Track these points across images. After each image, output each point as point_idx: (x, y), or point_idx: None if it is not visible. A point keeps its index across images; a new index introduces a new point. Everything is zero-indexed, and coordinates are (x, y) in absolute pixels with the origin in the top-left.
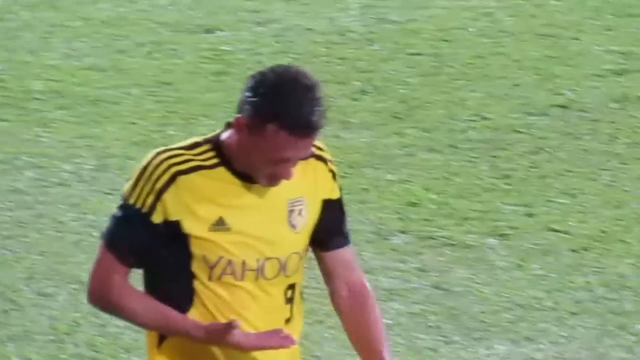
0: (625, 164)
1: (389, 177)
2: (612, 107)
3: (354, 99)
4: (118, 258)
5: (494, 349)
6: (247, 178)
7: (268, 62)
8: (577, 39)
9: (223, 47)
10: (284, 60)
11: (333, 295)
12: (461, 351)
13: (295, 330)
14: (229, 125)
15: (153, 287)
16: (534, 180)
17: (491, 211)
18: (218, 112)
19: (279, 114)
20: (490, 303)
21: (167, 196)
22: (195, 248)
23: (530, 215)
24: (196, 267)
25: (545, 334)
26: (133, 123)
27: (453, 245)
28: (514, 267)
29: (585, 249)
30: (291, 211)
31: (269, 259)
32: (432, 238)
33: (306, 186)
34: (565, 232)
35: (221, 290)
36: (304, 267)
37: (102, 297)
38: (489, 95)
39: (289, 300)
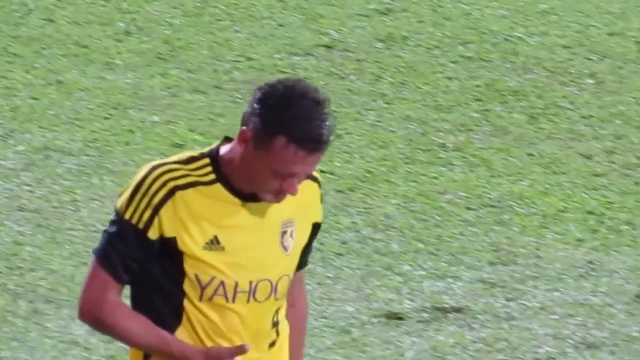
0: (390, 104)
1: (154, 118)
2: (377, 47)
3: (118, 40)
4: (112, 275)
5: None
6: (243, 196)
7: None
8: None
9: None
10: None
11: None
12: None
13: (278, 355)
14: (227, 140)
15: (140, 304)
16: None
17: None
18: None
19: (289, 126)
20: None
21: (164, 212)
22: (189, 267)
23: None
24: (188, 286)
25: (311, 275)
26: None
27: None
28: None
29: (352, 190)
30: (284, 233)
31: (262, 281)
32: None
33: (298, 208)
34: (331, 173)
35: (211, 312)
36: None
37: (94, 315)
38: (254, 36)
39: (275, 324)
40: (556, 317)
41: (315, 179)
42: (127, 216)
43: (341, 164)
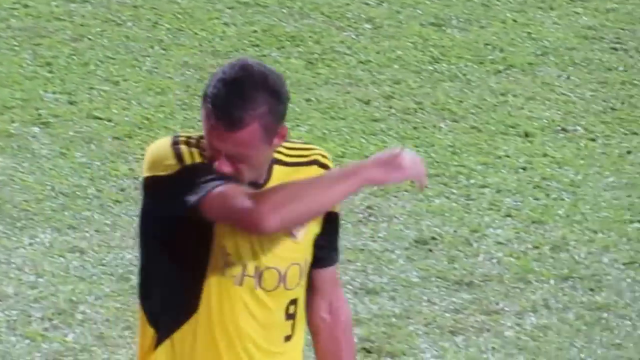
0: (167, 50)
1: None
2: None
3: None
4: (230, 181)
5: (38, 237)
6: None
7: None
8: None
9: None
10: None
11: (313, 312)
12: (4, 240)
13: (296, 350)
14: None
15: (154, 288)
16: (75, 68)
17: (33, 99)
18: None
19: (211, 93)
20: (34, 192)
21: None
22: (219, 237)
23: (72, 103)
24: (212, 263)
25: (89, 222)
26: None
27: None
28: (57, 155)
29: (129, 137)
30: None
31: (267, 268)
32: None
33: None
34: (109, 120)
35: (225, 301)
36: (306, 283)
37: (269, 217)
38: None
39: (290, 317)
40: None
41: (323, 166)
42: (188, 162)
43: (118, 110)
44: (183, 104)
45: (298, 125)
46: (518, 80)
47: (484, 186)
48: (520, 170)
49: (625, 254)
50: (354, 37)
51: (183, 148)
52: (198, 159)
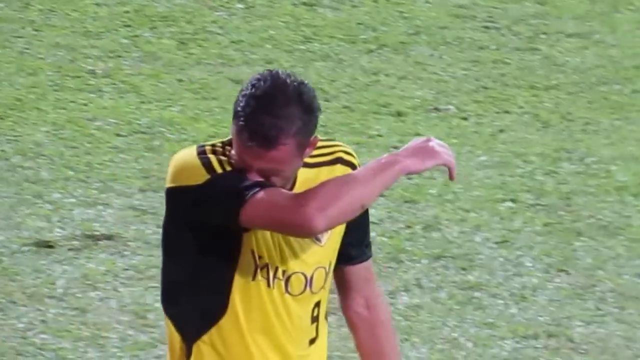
0: (39, 30)
1: None
2: None
3: None
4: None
5: None
6: None
7: None
8: None
9: None
10: None
11: (348, 308)
12: None
13: (320, 352)
14: None
15: (180, 294)
16: None
17: None
18: None
19: (237, 116)
20: None
21: None
22: (247, 240)
23: None
24: (241, 265)
25: None
26: None
27: None
28: None
29: (0, 118)
30: None
31: (295, 272)
32: None
33: None
34: None
35: (255, 304)
36: (330, 284)
37: (316, 216)
38: None
39: (315, 319)
40: None
41: (348, 163)
42: (218, 170)
43: None
44: (55, 84)
45: (170, 106)
46: (390, 60)
47: None
48: (393, 150)
49: (498, 233)
50: (226, 17)
51: (211, 157)
52: (228, 167)
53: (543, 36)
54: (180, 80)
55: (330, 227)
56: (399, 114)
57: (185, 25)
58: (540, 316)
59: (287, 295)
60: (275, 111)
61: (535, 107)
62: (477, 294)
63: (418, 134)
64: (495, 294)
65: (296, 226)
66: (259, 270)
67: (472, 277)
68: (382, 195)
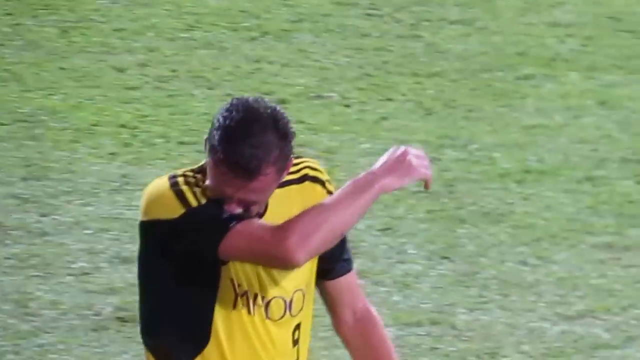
0: None
1: None
2: None
3: None
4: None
5: None
6: None
7: None
8: None
9: None
10: None
11: (338, 324)
12: None
13: None
14: None
15: (161, 325)
16: None
17: None
18: None
19: (214, 145)
20: None
21: None
22: (225, 270)
23: None
24: (221, 294)
25: None
26: None
27: None
28: None
29: None
30: None
31: (274, 297)
32: None
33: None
34: None
35: (237, 332)
36: (311, 305)
37: (297, 249)
38: None
39: (295, 342)
40: (90, 232)
41: (315, 179)
42: (193, 204)
43: None
44: None
45: (52, 94)
46: (273, 47)
47: None
48: None
49: (381, 220)
50: (108, 4)
51: (185, 189)
52: (203, 199)
53: (425, 23)
54: (62, 69)
55: (312, 258)
56: (282, 101)
57: (67, 13)
58: (423, 303)
59: (267, 320)
60: (253, 141)
61: (418, 94)
62: (360, 281)
63: (301, 121)
64: (378, 281)
65: (277, 260)
66: (239, 298)
67: (355, 264)
68: None
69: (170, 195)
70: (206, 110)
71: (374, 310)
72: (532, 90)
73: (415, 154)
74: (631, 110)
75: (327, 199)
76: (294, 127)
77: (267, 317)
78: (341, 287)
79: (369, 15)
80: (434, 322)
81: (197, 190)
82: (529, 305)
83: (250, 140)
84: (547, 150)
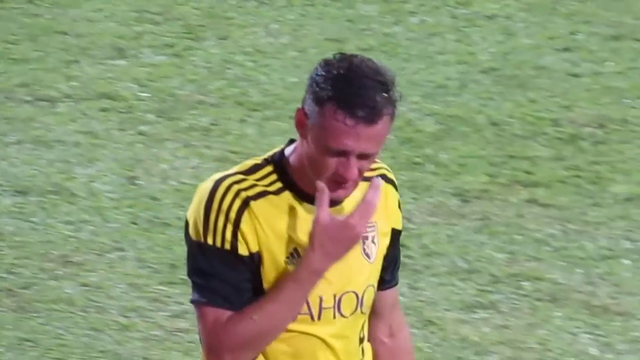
0: None
1: None
2: None
3: None
4: (222, 308)
5: None
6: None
7: None
8: None
9: None
10: None
11: (372, 336)
12: None
13: None
14: (291, 141)
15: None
16: None
17: None
18: None
19: (338, 93)
20: None
21: (245, 225)
22: (268, 284)
23: None
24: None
25: None
26: None
27: None
28: None
29: None
30: (365, 238)
31: (346, 292)
32: None
33: (378, 209)
34: None
35: (300, 341)
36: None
37: (230, 349)
38: None
39: (362, 340)
40: None
41: (390, 181)
42: (210, 241)
43: None
44: None
45: None
46: None
47: None
48: None
49: None
50: None
51: (212, 218)
52: (219, 241)
53: None
54: None
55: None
56: None
57: None
58: None
59: (337, 318)
60: (369, 84)
61: None
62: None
63: None
64: None
65: (207, 355)
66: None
67: None
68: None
69: (201, 216)
70: None
71: (407, 329)
72: None
73: (352, 223)
74: None
75: (270, 299)
76: None
77: (339, 312)
78: (387, 300)
79: None
80: None
81: (229, 226)
82: None
83: (367, 84)
84: None
